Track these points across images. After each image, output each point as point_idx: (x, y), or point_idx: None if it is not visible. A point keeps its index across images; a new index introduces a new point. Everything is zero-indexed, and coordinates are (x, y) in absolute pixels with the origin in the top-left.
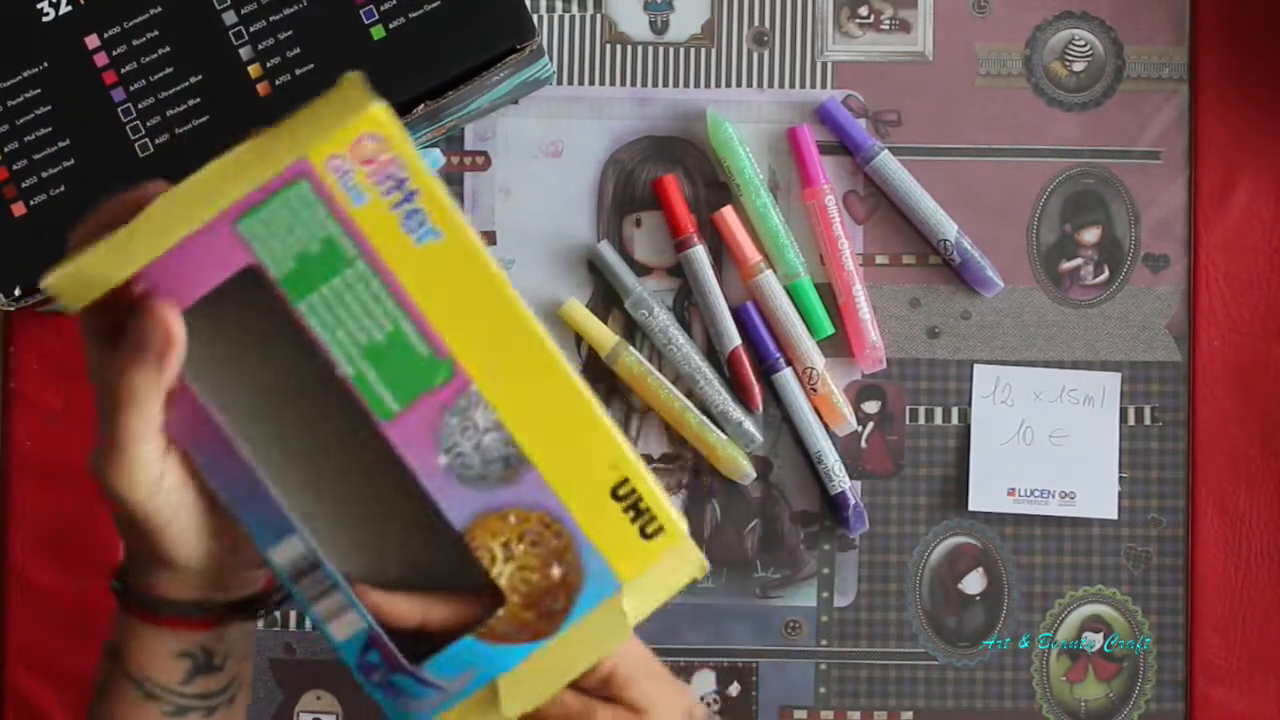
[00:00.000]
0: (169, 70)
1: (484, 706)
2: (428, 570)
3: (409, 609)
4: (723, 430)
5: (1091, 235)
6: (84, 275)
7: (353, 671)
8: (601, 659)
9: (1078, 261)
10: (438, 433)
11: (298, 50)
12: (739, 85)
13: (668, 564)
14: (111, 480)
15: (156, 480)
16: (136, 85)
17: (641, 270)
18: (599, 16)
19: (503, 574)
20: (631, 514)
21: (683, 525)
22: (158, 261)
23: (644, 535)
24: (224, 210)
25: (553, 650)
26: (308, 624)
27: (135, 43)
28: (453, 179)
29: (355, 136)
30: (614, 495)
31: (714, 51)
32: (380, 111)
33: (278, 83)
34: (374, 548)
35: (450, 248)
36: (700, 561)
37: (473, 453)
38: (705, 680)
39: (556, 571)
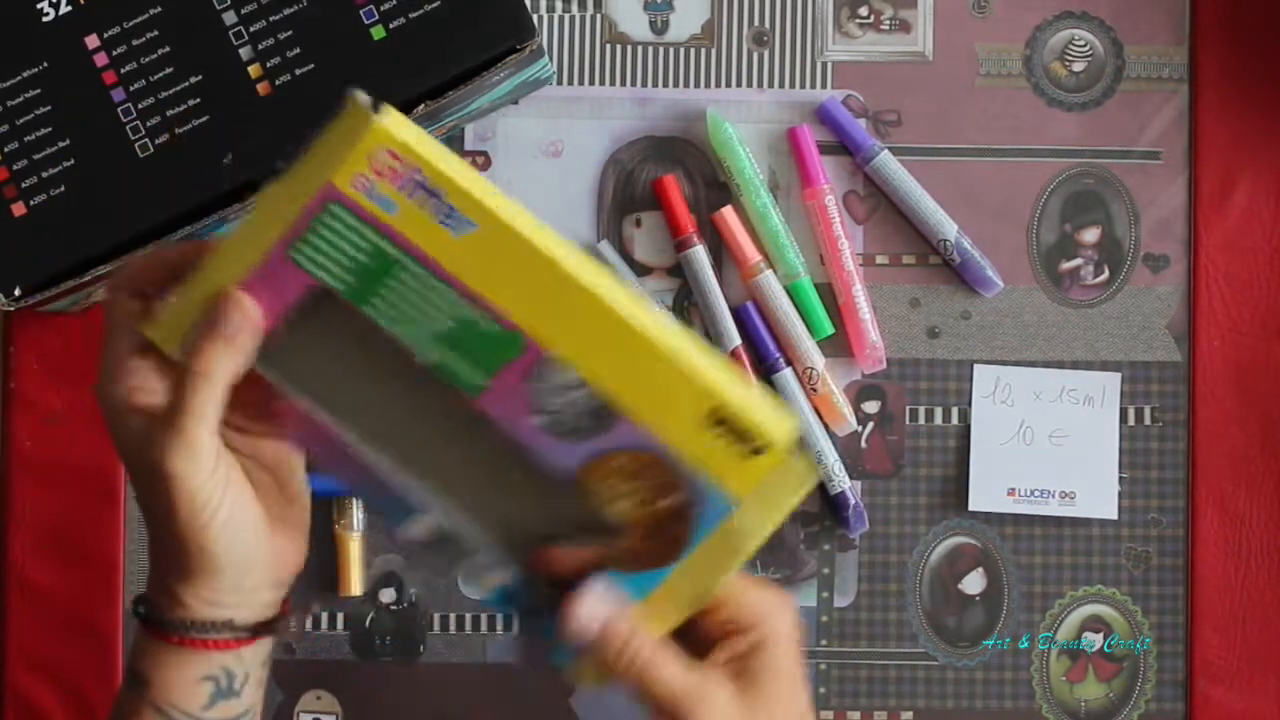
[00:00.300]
0: (169, 70)
1: None
2: (550, 521)
3: (577, 557)
4: None
5: (1091, 235)
6: (173, 322)
7: (507, 618)
8: (729, 575)
9: (1078, 261)
10: (526, 398)
11: (298, 50)
12: (739, 85)
13: (778, 478)
14: (170, 459)
15: (212, 466)
16: (136, 85)
17: (641, 270)
18: (599, 16)
19: (619, 511)
20: (731, 437)
21: (786, 436)
22: None
23: (747, 454)
24: (273, 244)
25: (682, 572)
26: (308, 625)
27: (135, 43)
28: None
29: (369, 153)
30: (709, 422)
31: (714, 51)
32: (385, 126)
33: (278, 83)
34: (495, 511)
35: (488, 233)
36: (806, 471)
37: (564, 409)
38: None
39: (670, 501)
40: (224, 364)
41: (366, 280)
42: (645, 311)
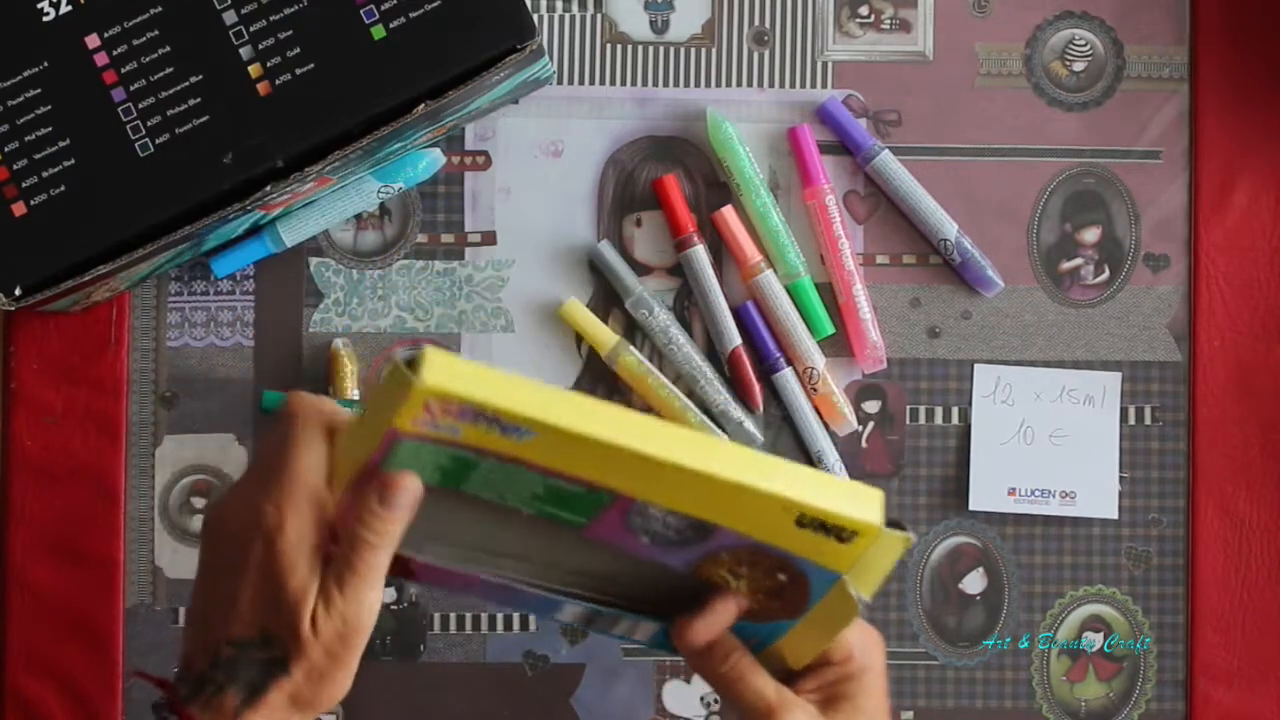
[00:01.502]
0: (169, 70)
1: (774, 660)
2: (676, 593)
3: (716, 627)
4: (723, 430)
5: (1091, 235)
6: None
7: (665, 654)
8: (847, 627)
9: (1078, 261)
10: (628, 529)
11: (298, 50)
12: (739, 85)
13: (875, 549)
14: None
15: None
16: (136, 85)
17: (642, 270)
18: (599, 16)
19: (740, 588)
20: (822, 532)
21: (875, 517)
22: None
23: (841, 541)
24: (358, 472)
25: (809, 621)
26: None
27: (135, 43)
28: (453, 179)
29: (422, 404)
30: (799, 525)
31: (714, 51)
32: (427, 385)
33: (278, 83)
34: (626, 596)
35: (548, 437)
36: (904, 537)
37: (665, 530)
38: None
39: (783, 576)
40: (398, 533)
41: (453, 474)
42: (706, 445)
